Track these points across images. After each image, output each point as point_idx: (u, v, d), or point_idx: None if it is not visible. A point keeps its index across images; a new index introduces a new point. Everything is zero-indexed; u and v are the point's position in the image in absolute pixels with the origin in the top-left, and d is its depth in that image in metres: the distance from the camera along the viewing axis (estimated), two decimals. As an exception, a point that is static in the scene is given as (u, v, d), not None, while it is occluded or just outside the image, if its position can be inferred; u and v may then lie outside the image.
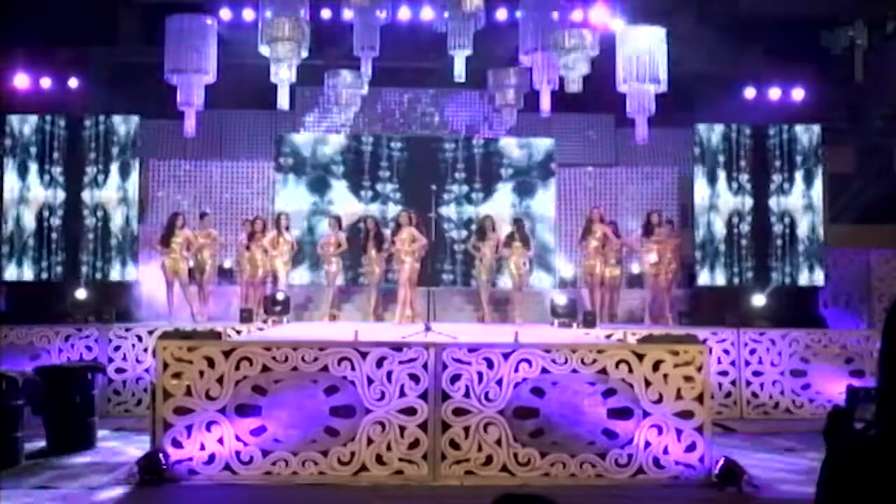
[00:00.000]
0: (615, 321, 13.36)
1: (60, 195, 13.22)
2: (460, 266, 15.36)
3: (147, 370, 10.39)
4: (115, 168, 13.28)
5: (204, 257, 13.29)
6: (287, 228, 13.65)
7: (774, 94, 16.33)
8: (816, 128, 13.79)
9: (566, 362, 7.18)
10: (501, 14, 14.75)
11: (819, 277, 13.64)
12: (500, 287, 14.28)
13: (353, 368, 7.13)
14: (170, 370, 7.12)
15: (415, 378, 7.14)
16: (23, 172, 13.19)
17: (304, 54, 11.85)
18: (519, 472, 7.06)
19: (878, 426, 1.81)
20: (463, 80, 12.96)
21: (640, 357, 7.20)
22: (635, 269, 14.37)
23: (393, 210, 15.16)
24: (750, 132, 13.73)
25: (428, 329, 9.16)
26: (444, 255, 15.28)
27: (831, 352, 10.96)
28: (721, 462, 7.04)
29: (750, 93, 16.33)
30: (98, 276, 13.14)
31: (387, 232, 13.96)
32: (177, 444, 7.03)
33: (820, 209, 13.62)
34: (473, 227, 14.92)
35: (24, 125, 13.24)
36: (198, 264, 13.26)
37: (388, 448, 7.08)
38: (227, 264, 14.52)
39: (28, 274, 13.09)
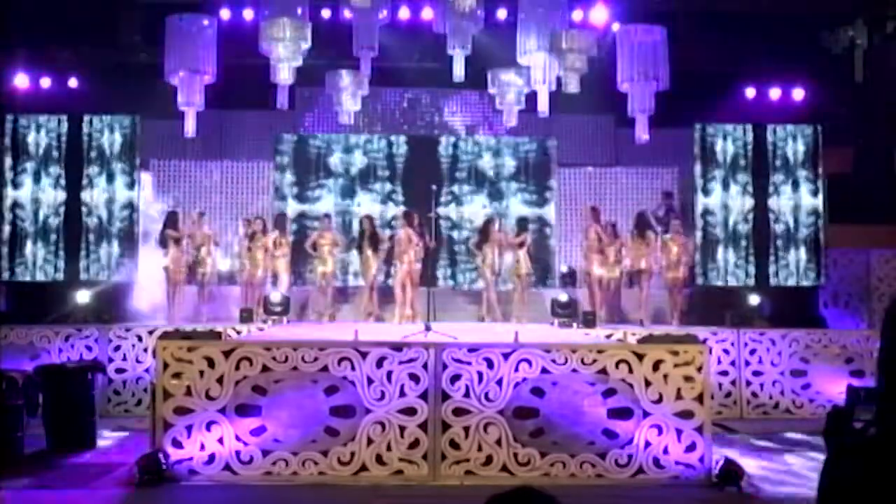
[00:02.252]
0: (615, 321, 13.35)
1: (60, 195, 13.21)
2: (460, 266, 15.34)
3: (147, 370, 10.39)
4: (114, 168, 13.27)
5: (203, 257, 13.29)
6: (286, 229, 13.64)
7: (774, 94, 16.33)
8: (817, 128, 13.79)
9: (566, 362, 7.17)
10: (501, 14, 14.75)
11: (819, 277, 13.63)
12: (501, 287, 14.27)
13: (353, 368, 7.12)
14: (170, 370, 7.12)
15: (415, 378, 7.14)
16: (23, 173, 13.18)
17: (304, 54, 11.85)
18: (519, 472, 7.05)
19: (877, 425, 1.81)
20: (463, 80, 12.97)
21: (640, 357, 7.20)
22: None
23: (392, 210, 15.15)
24: (750, 132, 13.73)
25: (428, 329, 9.16)
26: (444, 256, 15.27)
27: (831, 352, 10.95)
28: (721, 462, 7.04)
29: (750, 93, 16.33)
30: (98, 276, 13.13)
31: (384, 232, 13.95)
32: (177, 444, 7.03)
33: (820, 209, 13.63)
34: (473, 226, 14.91)
35: (25, 125, 13.23)
36: (197, 264, 13.26)
37: (388, 448, 7.07)
38: (227, 265, 14.49)
39: (28, 274, 13.09)
